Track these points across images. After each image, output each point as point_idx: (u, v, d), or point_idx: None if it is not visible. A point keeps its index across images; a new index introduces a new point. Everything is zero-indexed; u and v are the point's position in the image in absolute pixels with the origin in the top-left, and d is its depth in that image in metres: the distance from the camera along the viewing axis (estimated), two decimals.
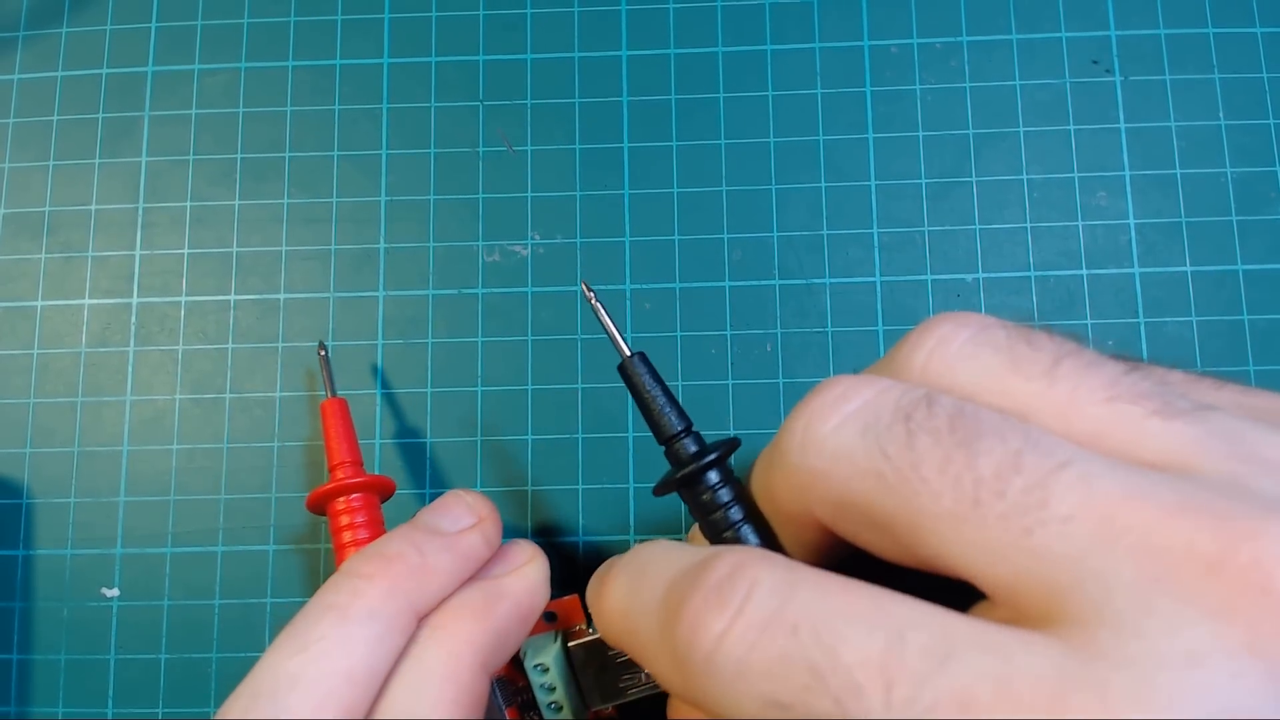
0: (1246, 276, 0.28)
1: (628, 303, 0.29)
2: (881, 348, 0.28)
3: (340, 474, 0.25)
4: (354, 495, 0.24)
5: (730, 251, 0.29)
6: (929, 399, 0.14)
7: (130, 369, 0.29)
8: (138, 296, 0.30)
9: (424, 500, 0.28)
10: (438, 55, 0.31)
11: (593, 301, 0.21)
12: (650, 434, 0.20)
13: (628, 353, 0.20)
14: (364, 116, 0.30)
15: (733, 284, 0.29)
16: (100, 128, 0.31)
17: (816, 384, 0.15)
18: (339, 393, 0.27)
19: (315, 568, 0.28)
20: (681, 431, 0.19)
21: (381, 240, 0.30)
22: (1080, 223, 0.29)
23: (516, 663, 0.23)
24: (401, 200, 0.30)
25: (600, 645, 0.23)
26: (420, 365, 0.29)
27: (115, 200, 0.30)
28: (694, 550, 0.16)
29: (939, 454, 0.13)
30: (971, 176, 0.29)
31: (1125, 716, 0.11)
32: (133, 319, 0.30)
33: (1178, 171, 0.29)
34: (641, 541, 0.28)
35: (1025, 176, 0.29)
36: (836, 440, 0.14)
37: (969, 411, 0.13)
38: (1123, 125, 0.29)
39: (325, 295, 0.29)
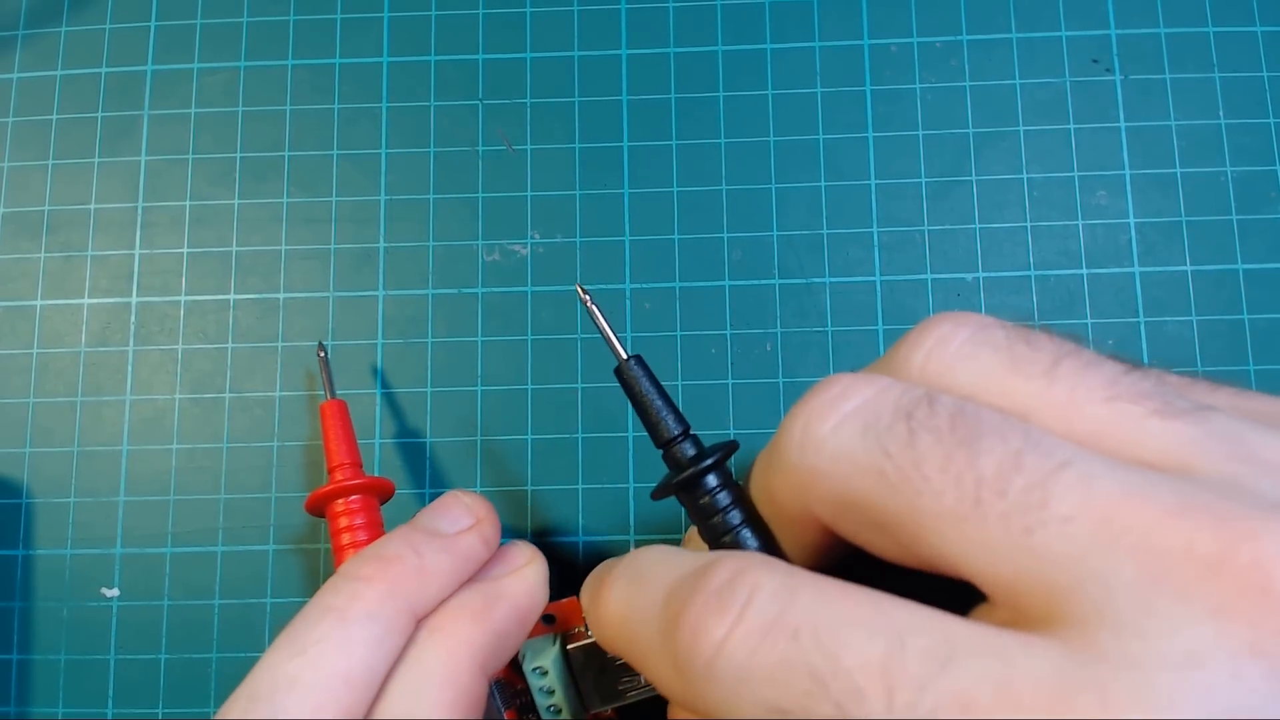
0: (1246, 276, 0.28)
1: (627, 302, 0.29)
2: (881, 347, 0.28)
3: (339, 476, 0.25)
4: (353, 497, 0.24)
5: (730, 251, 0.29)
6: (930, 398, 0.14)
7: (130, 369, 0.29)
8: (137, 296, 0.30)
9: (423, 500, 0.28)
10: (437, 54, 0.31)
11: (588, 304, 0.21)
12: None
13: (624, 356, 0.20)
14: (363, 115, 0.30)
15: (732, 283, 0.29)
16: (100, 127, 0.31)
17: (814, 383, 0.15)
18: (338, 393, 0.26)
19: (315, 568, 0.28)
20: (679, 435, 0.19)
21: (381, 240, 0.30)
22: (1080, 222, 0.29)
23: (515, 665, 0.23)
24: (401, 199, 0.30)
25: (599, 648, 0.23)
26: (420, 365, 0.29)
27: (115, 199, 0.30)
28: (693, 556, 0.16)
29: (941, 453, 0.13)
30: (971, 176, 0.29)
31: (1126, 717, 0.11)
32: (132, 318, 0.29)
33: (1178, 171, 0.29)
34: (641, 543, 0.28)
35: (1025, 176, 0.29)
36: (836, 439, 0.14)
37: (970, 410, 0.13)
38: (1123, 124, 0.29)
39: (325, 295, 0.29)
